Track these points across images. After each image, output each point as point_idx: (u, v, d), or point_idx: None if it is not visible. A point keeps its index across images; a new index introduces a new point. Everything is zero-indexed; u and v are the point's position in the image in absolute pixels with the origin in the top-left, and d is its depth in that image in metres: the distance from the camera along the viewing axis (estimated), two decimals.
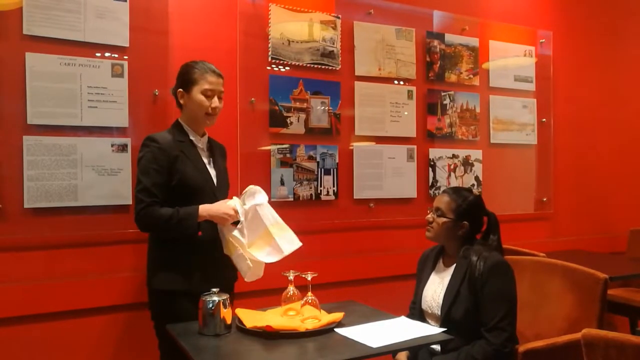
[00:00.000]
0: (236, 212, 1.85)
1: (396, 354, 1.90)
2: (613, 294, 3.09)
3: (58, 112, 2.15)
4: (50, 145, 2.13)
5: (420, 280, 2.02)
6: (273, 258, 1.87)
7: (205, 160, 1.98)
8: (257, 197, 1.91)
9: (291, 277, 1.78)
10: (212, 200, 1.90)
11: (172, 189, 1.85)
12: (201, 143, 1.99)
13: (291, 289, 1.78)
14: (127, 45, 2.27)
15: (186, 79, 1.94)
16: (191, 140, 1.95)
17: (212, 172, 1.98)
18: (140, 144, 1.91)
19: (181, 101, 1.96)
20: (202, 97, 1.91)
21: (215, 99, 1.93)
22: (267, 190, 2.55)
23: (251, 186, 1.93)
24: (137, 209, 1.82)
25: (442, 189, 2.99)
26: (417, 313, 1.97)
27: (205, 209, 1.84)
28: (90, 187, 2.19)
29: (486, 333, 1.75)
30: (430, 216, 1.94)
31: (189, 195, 1.86)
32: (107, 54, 2.25)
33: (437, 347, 1.84)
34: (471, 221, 1.90)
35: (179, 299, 1.85)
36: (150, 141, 1.88)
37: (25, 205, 2.09)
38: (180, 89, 1.95)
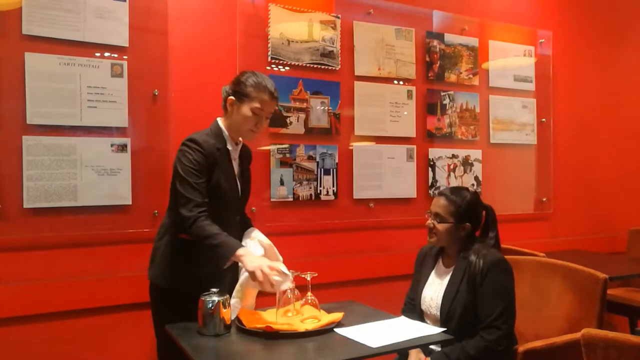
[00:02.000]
0: (280, 273, 1.67)
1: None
2: (613, 293, 3.09)
3: (57, 112, 2.15)
4: (49, 145, 2.13)
5: (419, 279, 2.01)
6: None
7: (236, 171, 1.94)
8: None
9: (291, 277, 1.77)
10: (235, 209, 1.92)
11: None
12: (235, 153, 1.94)
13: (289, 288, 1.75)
14: (127, 45, 2.27)
15: (242, 90, 1.85)
16: (227, 149, 1.89)
17: (239, 184, 1.94)
18: (181, 144, 1.82)
19: (229, 108, 1.88)
20: (250, 114, 1.83)
21: (263, 119, 1.87)
22: (267, 190, 2.56)
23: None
24: (191, 219, 1.72)
25: (441, 188, 3.00)
26: (417, 313, 1.97)
27: (246, 254, 1.69)
28: (89, 187, 2.19)
29: (481, 330, 1.75)
30: (430, 222, 1.90)
31: (216, 201, 1.81)
32: (106, 54, 2.25)
33: (436, 348, 1.84)
34: (472, 221, 1.89)
35: (175, 296, 1.83)
36: (193, 143, 1.79)
37: (25, 205, 2.09)
38: (232, 97, 1.86)
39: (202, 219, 1.72)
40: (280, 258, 1.87)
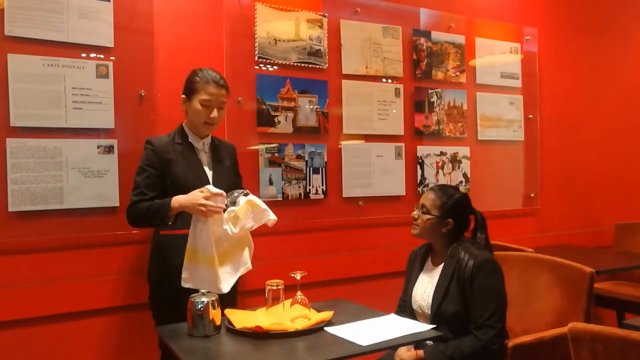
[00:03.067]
0: (213, 198, 1.78)
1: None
2: (600, 287, 3.13)
3: (42, 113, 2.12)
4: (34, 147, 2.10)
5: (410, 280, 2.02)
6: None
7: (204, 161, 2.02)
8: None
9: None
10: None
11: (168, 189, 1.92)
12: (200, 144, 2.03)
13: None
14: (112, 45, 2.25)
15: (189, 86, 1.98)
16: (190, 142, 2.01)
17: (209, 173, 2.01)
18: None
19: (183, 107, 2.01)
20: (199, 107, 1.94)
21: (215, 110, 1.95)
22: (256, 189, 2.55)
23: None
24: (127, 206, 1.92)
25: (430, 186, 3.01)
26: (408, 312, 1.97)
27: (177, 199, 1.83)
28: (76, 190, 2.17)
29: (475, 330, 1.76)
30: (415, 213, 1.94)
31: (183, 194, 1.85)
32: (91, 55, 2.22)
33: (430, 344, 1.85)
34: (456, 219, 1.90)
35: (175, 295, 1.82)
36: (147, 144, 1.98)
37: (10, 209, 2.06)
38: (184, 95, 2.00)
39: (138, 203, 1.88)
40: (267, 211, 1.87)
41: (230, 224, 1.82)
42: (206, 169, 2.02)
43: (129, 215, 1.92)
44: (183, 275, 1.80)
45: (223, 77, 1.99)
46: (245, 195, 1.86)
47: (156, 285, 2.01)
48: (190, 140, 2.01)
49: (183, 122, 2.05)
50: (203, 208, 1.77)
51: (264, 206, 1.87)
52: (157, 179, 1.92)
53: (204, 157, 2.03)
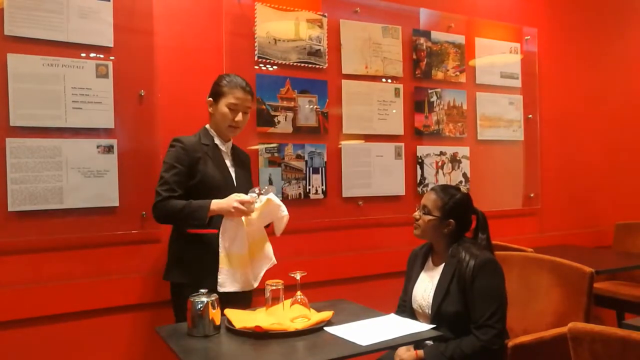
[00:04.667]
0: (247, 203, 1.87)
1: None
2: (600, 287, 3.13)
3: (42, 113, 2.12)
4: (34, 147, 2.10)
5: (410, 279, 2.02)
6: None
7: (228, 163, 2.09)
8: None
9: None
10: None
11: (194, 187, 1.96)
12: (225, 147, 2.10)
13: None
14: (112, 45, 2.25)
15: (216, 90, 2.04)
16: (216, 144, 2.07)
17: (233, 173, 2.09)
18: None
19: (210, 110, 2.07)
20: (226, 110, 2.02)
21: (240, 113, 2.03)
22: None
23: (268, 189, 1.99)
24: (155, 201, 1.92)
25: (430, 186, 3.01)
26: (408, 312, 1.97)
27: (216, 202, 1.90)
28: (76, 189, 2.16)
29: (475, 330, 1.76)
30: (417, 214, 1.94)
31: (210, 193, 1.94)
32: (91, 55, 2.22)
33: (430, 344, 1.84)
34: (457, 219, 1.90)
35: (191, 291, 1.83)
36: (175, 142, 2.00)
37: (10, 209, 2.06)
38: (210, 98, 2.06)
39: (169, 199, 1.91)
40: (282, 206, 1.97)
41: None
42: (231, 170, 2.08)
43: (159, 210, 1.92)
44: (219, 280, 1.88)
45: (249, 83, 2.07)
46: (264, 193, 1.94)
47: (185, 284, 1.93)
48: (216, 142, 2.07)
49: (206, 124, 2.09)
50: (241, 206, 1.85)
51: (279, 201, 1.96)
52: (185, 176, 1.95)
53: (228, 160, 2.10)
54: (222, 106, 2.02)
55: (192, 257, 1.96)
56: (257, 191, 1.93)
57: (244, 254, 1.92)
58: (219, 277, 1.88)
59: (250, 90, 2.08)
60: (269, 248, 2.03)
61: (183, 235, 1.98)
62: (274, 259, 2.02)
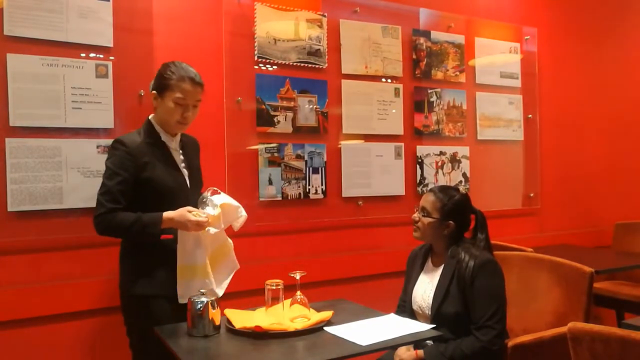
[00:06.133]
0: (204, 222, 1.77)
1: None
2: (600, 287, 3.13)
3: (41, 113, 2.12)
4: (33, 147, 2.10)
5: (410, 280, 2.02)
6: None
7: (178, 161, 1.93)
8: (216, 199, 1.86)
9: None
10: (185, 202, 1.84)
11: (144, 194, 1.80)
12: (174, 143, 1.93)
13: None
14: (111, 45, 2.25)
15: (160, 82, 1.85)
16: (163, 142, 1.89)
17: (185, 173, 1.94)
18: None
19: (154, 103, 1.89)
20: (172, 105, 1.82)
21: (189, 108, 1.85)
22: (255, 189, 2.55)
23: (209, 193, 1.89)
24: (97, 213, 1.76)
25: (429, 186, 3.01)
26: (408, 312, 1.97)
27: (168, 217, 1.75)
28: (75, 190, 2.16)
29: (475, 331, 1.76)
30: (416, 216, 1.94)
31: (162, 198, 1.82)
32: (91, 55, 2.22)
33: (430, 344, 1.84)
34: (457, 220, 1.90)
35: (159, 302, 1.82)
36: (119, 144, 1.81)
37: (9, 209, 2.06)
38: (154, 91, 1.88)
39: (114, 212, 1.74)
40: (240, 208, 1.88)
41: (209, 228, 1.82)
42: (183, 171, 1.94)
43: (103, 224, 1.75)
44: (179, 292, 1.80)
45: (198, 73, 1.88)
46: (212, 194, 1.85)
47: (150, 295, 1.83)
48: (163, 139, 1.89)
49: (149, 116, 1.93)
50: (194, 224, 1.74)
51: (236, 203, 1.87)
52: (130, 185, 1.77)
53: (177, 157, 1.93)
54: (168, 101, 1.81)
55: (156, 266, 1.82)
56: (208, 197, 1.83)
57: (203, 264, 1.81)
58: (177, 289, 1.79)
59: (200, 81, 1.86)
60: (231, 253, 1.93)
61: (139, 244, 1.84)
62: (237, 264, 1.94)
